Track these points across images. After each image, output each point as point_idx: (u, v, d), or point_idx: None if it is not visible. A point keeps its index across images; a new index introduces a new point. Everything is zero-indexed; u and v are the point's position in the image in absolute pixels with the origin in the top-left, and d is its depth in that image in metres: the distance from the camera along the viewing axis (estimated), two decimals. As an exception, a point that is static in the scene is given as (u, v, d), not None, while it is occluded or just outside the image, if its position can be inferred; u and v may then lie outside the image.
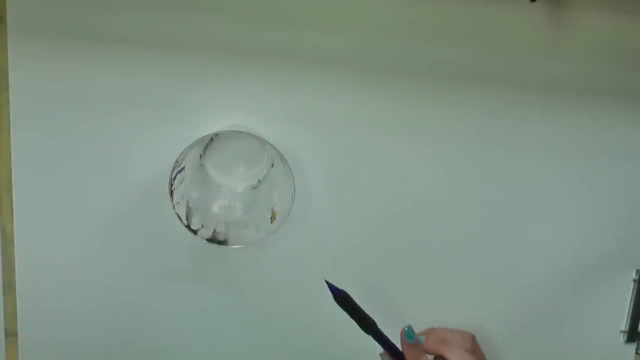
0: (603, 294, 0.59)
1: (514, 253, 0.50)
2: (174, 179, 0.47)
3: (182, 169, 0.49)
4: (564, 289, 0.58)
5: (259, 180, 0.54)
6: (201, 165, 0.53)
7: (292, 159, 0.49)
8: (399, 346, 0.48)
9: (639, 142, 0.56)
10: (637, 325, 0.60)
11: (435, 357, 0.50)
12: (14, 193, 0.52)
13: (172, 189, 0.47)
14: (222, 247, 0.50)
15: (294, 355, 0.58)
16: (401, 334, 0.48)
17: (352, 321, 0.47)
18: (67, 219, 0.53)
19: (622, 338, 0.60)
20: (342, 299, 0.46)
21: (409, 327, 0.48)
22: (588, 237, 0.58)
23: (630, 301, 0.59)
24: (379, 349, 0.50)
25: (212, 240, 0.49)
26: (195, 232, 0.49)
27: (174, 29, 0.50)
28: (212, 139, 0.52)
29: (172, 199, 0.47)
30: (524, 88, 0.54)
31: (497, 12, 0.51)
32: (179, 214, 0.48)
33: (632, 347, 0.60)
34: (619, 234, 0.58)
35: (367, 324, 0.47)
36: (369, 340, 0.48)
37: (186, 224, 0.48)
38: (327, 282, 0.46)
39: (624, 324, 0.60)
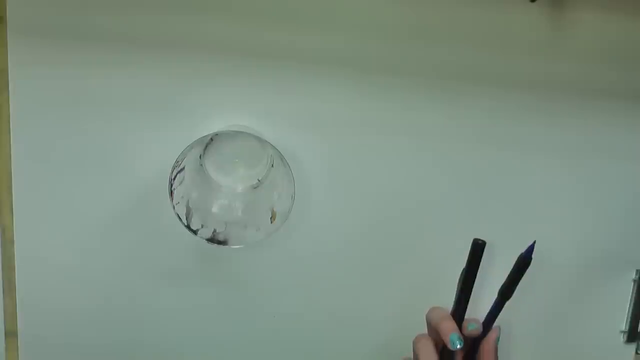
0: (603, 294, 0.59)
1: (513, 253, 0.50)
2: (174, 179, 0.47)
3: (182, 169, 0.49)
4: (564, 289, 0.58)
5: (259, 180, 0.54)
6: (201, 165, 0.53)
7: (292, 159, 0.48)
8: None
9: (639, 142, 0.56)
10: (637, 325, 0.60)
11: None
12: (14, 193, 0.52)
13: (172, 189, 0.47)
14: (222, 247, 0.50)
15: (294, 355, 0.58)
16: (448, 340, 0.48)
17: (351, 321, 0.47)
18: (67, 219, 0.53)
19: (622, 338, 0.60)
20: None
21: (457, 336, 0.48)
22: (588, 237, 0.57)
23: (630, 301, 0.59)
24: (378, 350, 0.50)
25: (212, 240, 0.49)
26: (195, 232, 0.49)
27: (174, 29, 0.50)
28: (212, 139, 0.52)
29: (172, 199, 0.47)
30: (524, 88, 0.53)
31: (497, 12, 0.51)
32: (179, 214, 0.48)
33: (632, 347, 0.60)
34: (619, 234, 0.58)
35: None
36: (368, 340, 0.48)
37: (186, 224, 0.48)
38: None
39: (624, 324, 0.60)
